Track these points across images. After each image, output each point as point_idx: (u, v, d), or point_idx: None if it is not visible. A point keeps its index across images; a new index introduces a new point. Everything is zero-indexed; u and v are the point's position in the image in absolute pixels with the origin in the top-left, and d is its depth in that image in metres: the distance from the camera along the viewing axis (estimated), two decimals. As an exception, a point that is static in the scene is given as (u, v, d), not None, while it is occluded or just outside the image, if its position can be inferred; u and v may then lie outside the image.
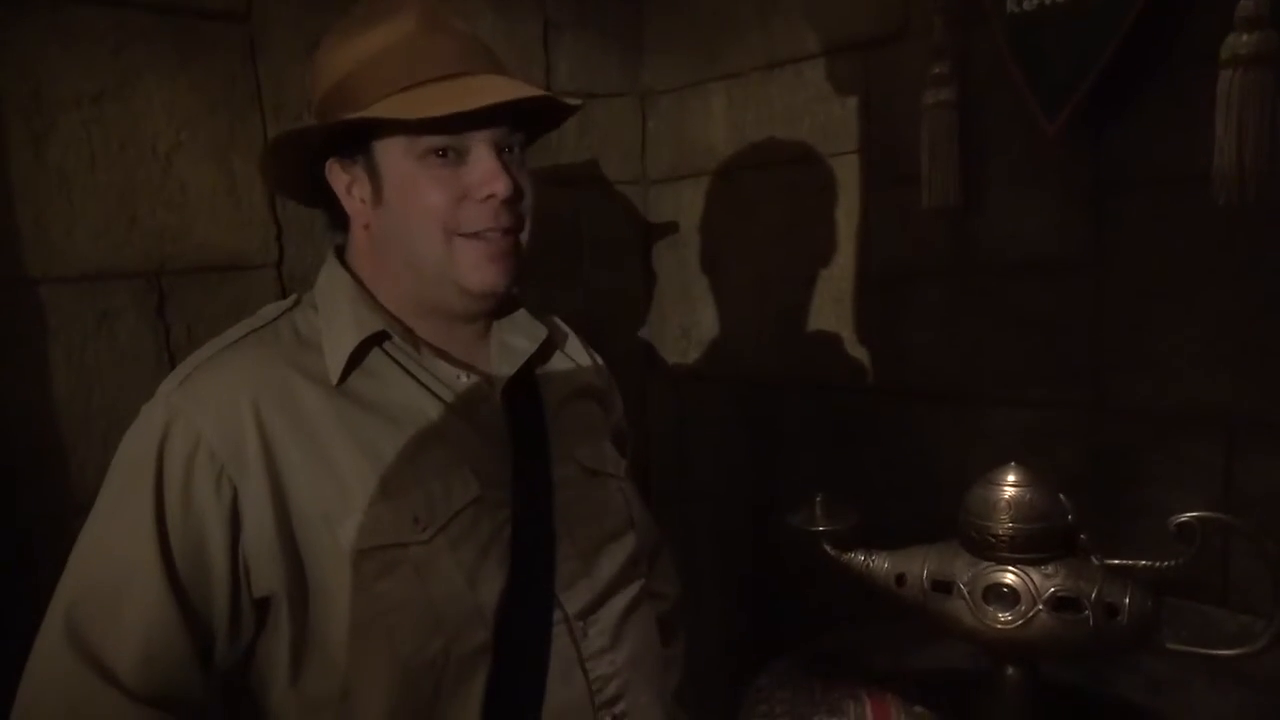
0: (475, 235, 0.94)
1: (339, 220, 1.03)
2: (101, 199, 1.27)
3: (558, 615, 0.97)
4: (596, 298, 2.02)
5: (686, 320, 2.04)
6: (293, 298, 1.03)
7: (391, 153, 0.93)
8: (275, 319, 0.99)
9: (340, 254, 1.04)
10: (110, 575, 0.86)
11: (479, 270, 0.95)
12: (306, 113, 1.00)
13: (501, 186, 0.92)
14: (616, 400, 1.26)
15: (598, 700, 0.98)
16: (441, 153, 0.92)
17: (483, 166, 0.92)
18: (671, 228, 2.04)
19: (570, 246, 1.95)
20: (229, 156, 1.38)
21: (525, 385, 1.06)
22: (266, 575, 0.89)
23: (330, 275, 1.02)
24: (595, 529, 1.05)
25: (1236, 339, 1.28)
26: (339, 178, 0.98)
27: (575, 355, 1.19)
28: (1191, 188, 1.23)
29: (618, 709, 1.00)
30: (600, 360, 1.25)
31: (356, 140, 0.94)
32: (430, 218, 0.93)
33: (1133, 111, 1.32)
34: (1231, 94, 1.12)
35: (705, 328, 2.01)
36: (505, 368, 1.03)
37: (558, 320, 1.21)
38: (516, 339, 1.07)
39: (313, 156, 0.98)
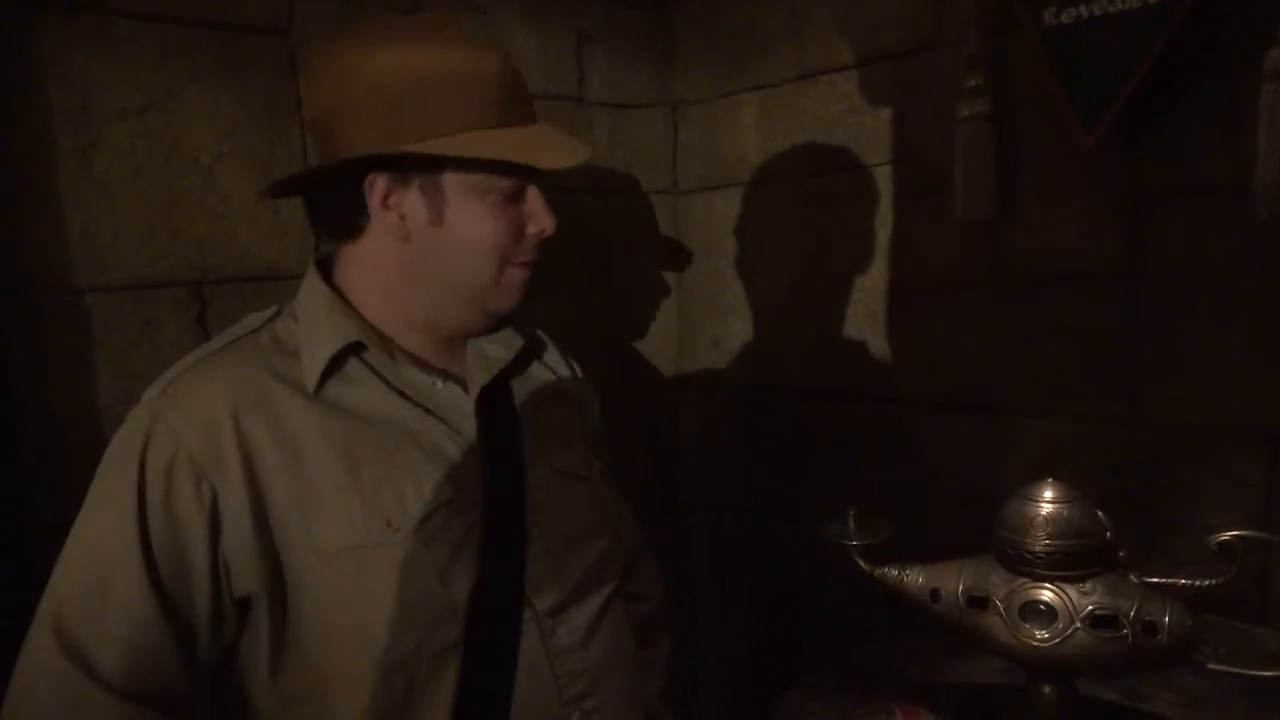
0: (520, 265, 1.03)
1: (335, 229, 1.03)
2: (146, 209, 1.30)
3: (528, 613, 0.99)
4: (627, 307, 2.02)
5: (717, 330, 2.05)
6: (274, 308, 1.06)
7: (463, 184, 0.97)
8: (257, 329, 1.02)
9: (322, 266, 1.06)
10: (95, 575, 0.88)
11: (512, 295, 1.04)
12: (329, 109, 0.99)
13: (549, 225, 1.02)
14: (594, 406, 1.29)
15: (565, 695, 1.00)
16: (509, 191, 0.99)
17: (537, 206, 1.02)
18: (702, 237, 2.05)
19: (601, 255, 1.96)
20: (269, 168, 1.40)
21: (500, 392, 1.09)
22: (246, 575, 0.91)
23: (310, 287, 1.05)
24: (567, 530, 1.07)
25: (1277, 352, 1.26)
26: (379, 191, 0.97)
27: (553, 364, 1.23)
28: (1231, 199, 1.22)
29: (587, 704, 1.02)
30: (579, 369, 1.28)
31: (418, 162, 0.95)
32: (491, 247, 1.00)
33: (1171, 123, 1.31)
34: (1274, 107, 1.12)
35: (736, 337, 2.01)
36: (481, 374, 1.06)
37: (538, 331, 1.25)
38: (493, 348, 1.10)
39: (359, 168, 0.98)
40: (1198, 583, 0.93)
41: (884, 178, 1.68)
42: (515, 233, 1.01)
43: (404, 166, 0.96)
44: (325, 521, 0.92)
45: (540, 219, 1.02)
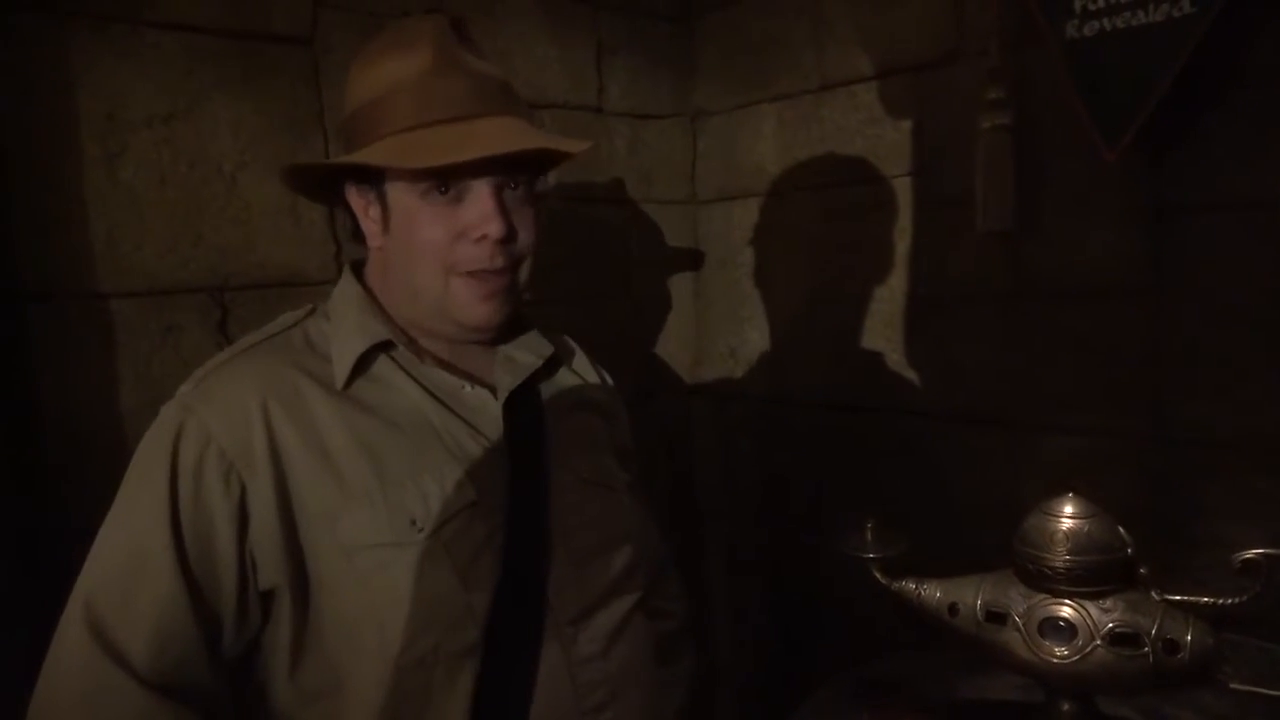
0: (470, 274, 0.98)
1: (354, 234, 1.08)
2: (169, 216, 1.31)
3: (548, 620, 0.99)
4: (645, 316, 2.03)
5: (734, 340, 2.04)
6: (307, 308, 1.08)
7: (398, 187, 0.97)
8: (289, 327, 1.04)
9: (357, 268, 1.10)
10: (126, 565, 0.89)
11: (472, 307, 0.99)
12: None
13: (495, 228, 0.95)
14: (622, 417, 1.28)
15: (584, 705, 0.99)
16: (442, 189, 0.96)
17: (479, 207, 0.96)
18: (720, 248, 2.05)
19: (619, 265, 1.96)
20: (291, 176, 1.42)
21: (527, 397, 1.09)
22: (271, 569, 0.92)
23: (344, 287, 1.07)
24: (590, 538, 1.06)
25: (1302, 369, 1.25)
26: (356, 201, 1.03)
27: (582, 371, 1.23)
28: (1257, 213, 1.21)
29: (605, 716, 1.01)
30: (609, 378, 1.28)
31: (370, 169, 0.98)
32: (429, 254, 0.97)
33: (1195, 136, 1.30)
34: (1300, 120, 1.10)
35: (752, 347, 2.00)
36: (508, 380, 1.07)
37: (567, 338, 1.25)
38: (521, 354, 1.10)
39: (337, 173, 1.03)
40: (1220, 601, 0.92)
41: (903, 189, 1.68)
42: (454, 235, 0.96)
43: (365, 177, 0.99)
44: (349, 518, 0.93)
45: (482, 221, 0.95)
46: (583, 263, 1.88)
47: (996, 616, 0.96)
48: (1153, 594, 0.92)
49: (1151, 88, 1.22)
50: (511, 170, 0.97)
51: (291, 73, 1.42)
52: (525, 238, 1.00)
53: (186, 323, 1.34)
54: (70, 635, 0.88)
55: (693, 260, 2.10)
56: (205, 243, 1.35)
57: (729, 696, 2.15)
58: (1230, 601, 0.91)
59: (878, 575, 1.07)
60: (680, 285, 2.10)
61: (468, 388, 1.04)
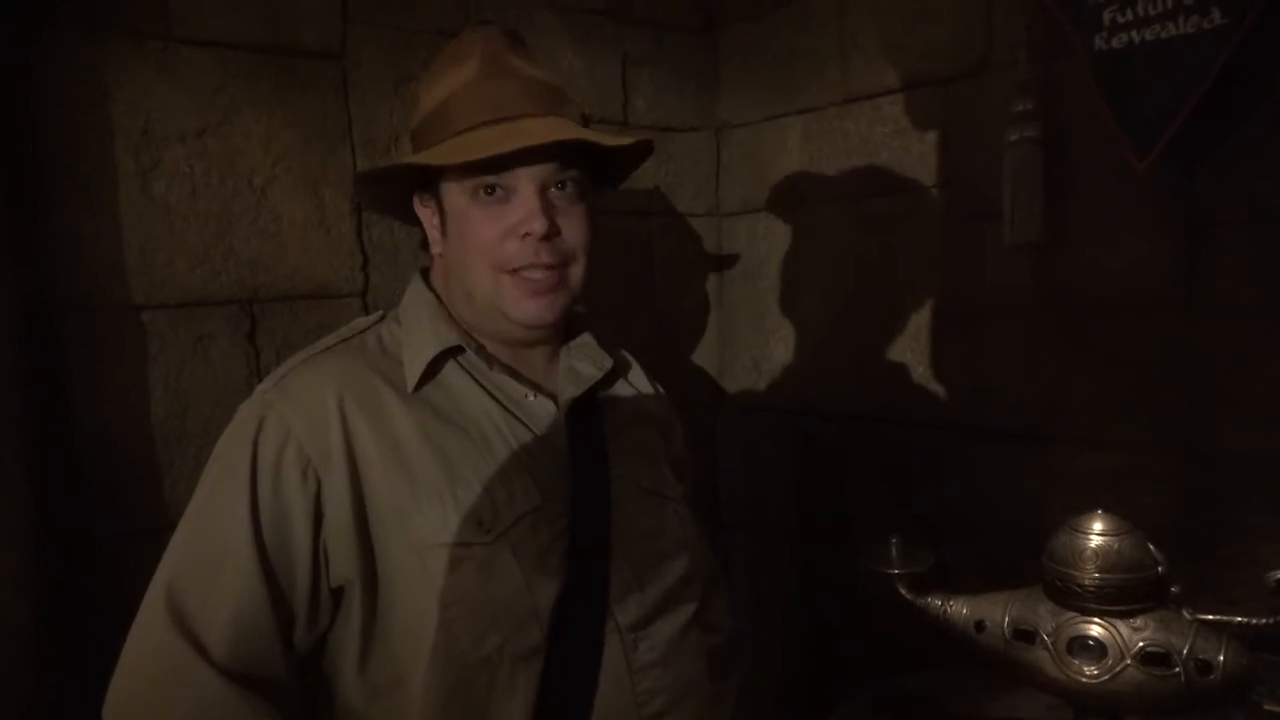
0: (518, 271, 1.00)
1: (423, 241, 1.11)
2: (201, 229, 1.34)
3: (610, 625, 1.00)
4: (669, 327, 2.03)
5: (758, 352, 2.04)
6: (379, 313, 1.11)
7: (451, 191, 1.01)
8: (363, 331, 1.07)
9: (426, 274, 1.12)
10: (207, 553, 0.92)
11: (522, 305, 1.01)
12: (406, 140, 1.09)
13: (537, 225, 0.97)
14: (677, 429, 1.29)
15: (643, 712, 1.00)
16: (489, 190, 0.98)
17: (523, 205, 0.98)
18: (744, 260, 2.05)
19: (644, 276, 1.97)
20: (320, 189, 1.44)
21: (588, 407, 1.11)
22: (343, 564, 0.94)
23: (415, 293, 1.10)
24: (649, 546, 1.08)
25: (1339, 385, 1.22)
26: (421, 210, 1.07)
27: (638, 383, 1.24)
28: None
29: None
30: (663, 390, 1.29)
31: (430, 178, 1.02)
32: (479, 253, 1.00)
33: (1227, 147, 1.28)
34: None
35: (777, 359, 2.00)
36: (570, 389, 1.09)
37: (624, 351, 1.27)
38: (583, 365, 1.13)
39: (408, 186, 1.07)
40: (1254, 621, 0.90)
41: (930, 201, 1.67)
42: (502, 234, 0.98)
43: (427, 186, 1.04)
44: (420, 517, 0.95)
45: (525, 218, 0.97)
46: (606, 274, 1.88)
47: (1024, 634, 0.95)
48: (1184, 613, 0.91)
49: (1182, 99, 1.21)
50: (559, 169, 0.99)
51: (321, 87, 1.44)
52: (573, 237, 1.01)
53: (217, 333, 1.35)
54: (151, 621, 0.91)
55: (716, 272, 2.10)
56: (236, 255, 1.37)
57: (750, 711, 2.13)
58: (1265, 621, 0.90)
59: (903, 591, 1.06)
60: (704, 297, 2.10)
61: (532, 396, 1.06)
